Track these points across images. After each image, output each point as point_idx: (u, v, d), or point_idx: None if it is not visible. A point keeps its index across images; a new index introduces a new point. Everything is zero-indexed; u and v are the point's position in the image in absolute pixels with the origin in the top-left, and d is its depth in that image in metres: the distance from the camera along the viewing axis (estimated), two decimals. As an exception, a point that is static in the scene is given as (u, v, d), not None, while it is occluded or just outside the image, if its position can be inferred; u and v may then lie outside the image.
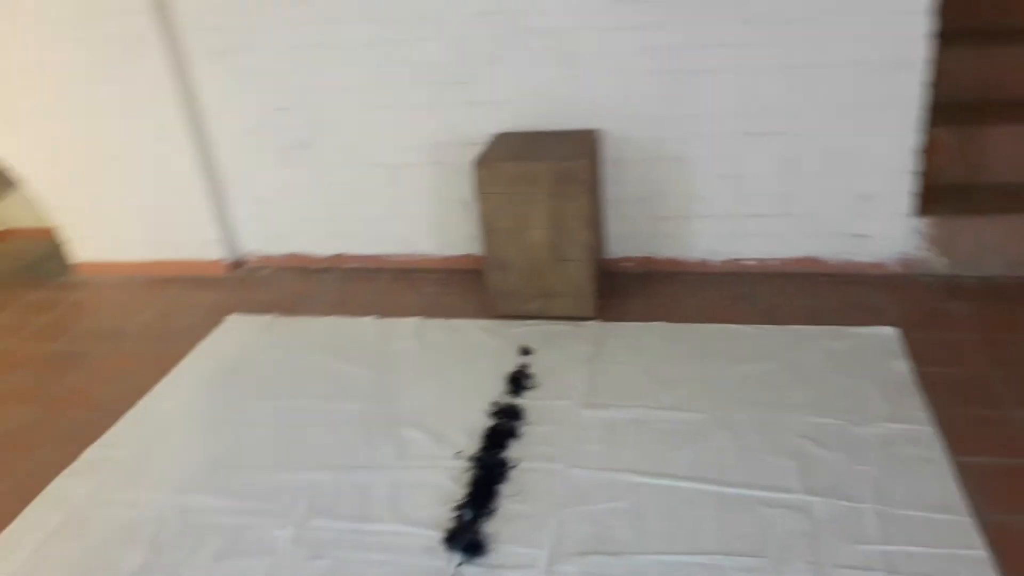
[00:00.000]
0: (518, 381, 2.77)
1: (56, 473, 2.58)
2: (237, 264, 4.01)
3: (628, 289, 3.43)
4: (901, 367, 2.68)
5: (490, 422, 2.58)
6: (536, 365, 2.89)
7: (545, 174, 2.99)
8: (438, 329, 3.21)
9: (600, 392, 2.70)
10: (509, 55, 3.27)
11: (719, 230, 3.44)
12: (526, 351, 2.97)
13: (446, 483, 2.35)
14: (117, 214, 3.95)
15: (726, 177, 3.33)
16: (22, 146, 3.89)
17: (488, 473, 2.34)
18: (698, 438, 2.44)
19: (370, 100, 3.50)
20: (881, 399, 2.53)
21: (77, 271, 4.17)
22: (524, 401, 2.69)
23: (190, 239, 3.93)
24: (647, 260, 3.56)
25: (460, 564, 2.06)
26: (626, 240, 3.55)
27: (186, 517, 2.33)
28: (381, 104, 3.49)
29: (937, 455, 2.28)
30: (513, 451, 2.46)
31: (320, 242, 3.89)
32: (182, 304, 3.73)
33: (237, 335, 3.36)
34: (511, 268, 3.18)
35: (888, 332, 2.88)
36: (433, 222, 3.69)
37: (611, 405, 2.63)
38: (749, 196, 3.34)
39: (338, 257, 3.90)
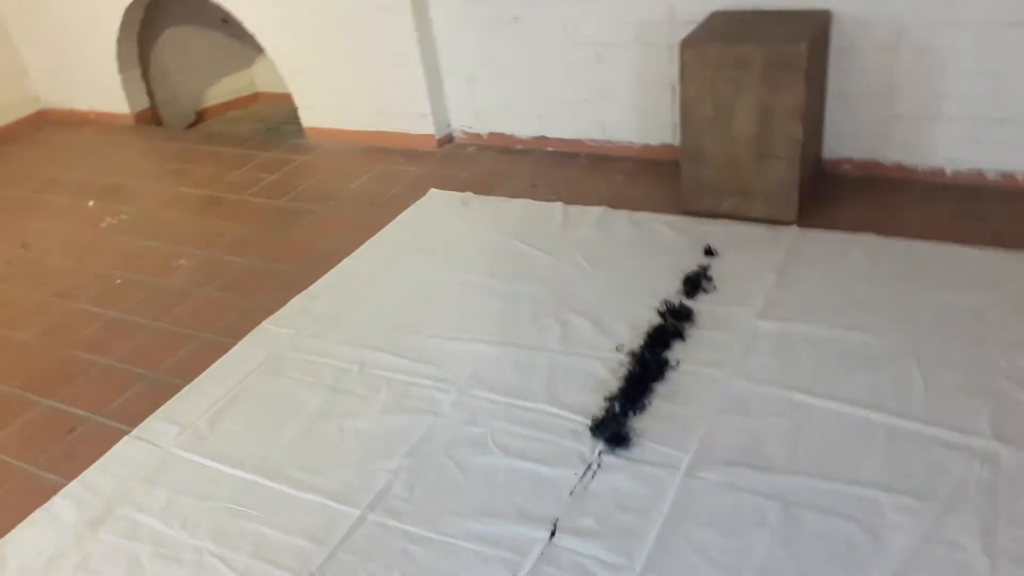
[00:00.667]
0: (695, 282, 2.66)
1: (265, 317, 2.88)
2: (445, 140, 4.13)
3: (842, 195, 3.13)
4: None
5: (657, 320, 2.51)
6: (718, 267, 2.75)
7: (757, 58, 2.75)
8: (622, 220, 3.14)
9: (782, 303, 2.53)
10: (735, -74, 2.98)
11: (963, 135, 3.01)
12: (710, 252, 2.83)
13: (603, 373, 2.35)
14: (342, 84, 4.18)
15: (980, 74, 2.88)
16: (264, 15, 4.19)
17: (645, 370, 2.30)
18: (881, 364, 2.23)
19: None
20: (1122, 349, 2.15)
21: (307, 135, 4.51)
22: (697, 304, 2.58)
23: (405, 112, 4.08)
24: (871, 164, 3.21)
25: (602, 452, 2.07)
26: (848, 139, 3.21)
27: (364, 370, 2.53)
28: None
29: None
30: (676, 352, 2.39)
31: (523, 123, 3.89)
32: (392, 174, 3.93)
33: (434, 209, 3.50)
34: (708, 161, 3.00)
35: None
36: (635, 108, 3.55)
37: (791, 318, 2.45)
38: (1006, 98, 2.88)
39: (539, 139, 3.89)
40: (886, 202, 3.05)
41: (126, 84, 5.08)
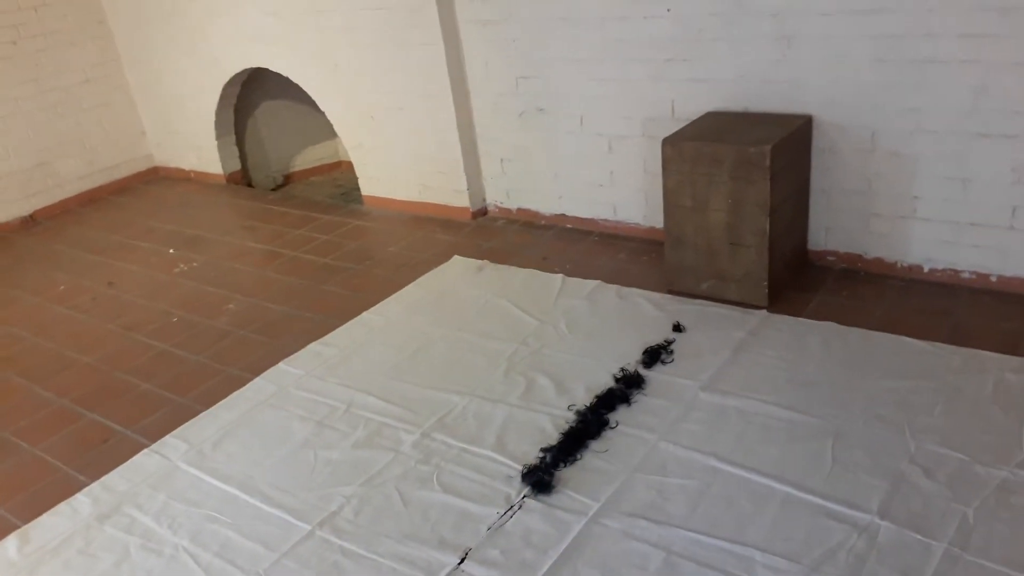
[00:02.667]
0: (655, 354, 2.90)
1: (284, 357, 3.29)
2: (480, 213, 4.52)
3: (821, 284, 3.31)
4: (1079, 417, 2.34)
5: (611, 384, 2.76)
6: (683, 342, 2.98)
7: (728, 157, 3.01)
8: (610, 294, 3.41)
9: (728, 379, 2.73)
10: (731, 34, 3.28)
11: (937, 236, 3.15)
12: (678, 328, 3.06)
13: (549, 428, 2.61)
14: (395, 159, 4.66)
15: (950, 179, 3.04)
16: (332, 97, 4.76)
17: (585, 427, 2.55)
18: (799, 440, 2.40)
19: (598, 73, 3.73)
20: (1032, 445, 2.26)
21: (365, 202, 5.01)
22: (652, 373, 2.82)
23: (445, 187, 4.51)
24: (854, 257, 3.38)
25: (525, 497, 2.33)
26: (832, 233, 3.39)
27: (350, 409, 2.88)
28: (607, 78, 3.71)
29: (1059, 516, 2.02)
30: (619, 414, 2.63)
31: (546, 202, 4.24)
32: (426, 241, 4.34)
33: (453, 273, 3.87)
34: (688, 246, 3.25)
35: (1091, 377, 2.49)
36: (641, 193, 3.84)
37: (731, 393, 2.65)
38: (975, 203, 3.02)
39: (560, 217, 4.22)
40: (861, 293, 3.20)
41: (221, 148, 5.76)
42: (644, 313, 3.23)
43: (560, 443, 2.50)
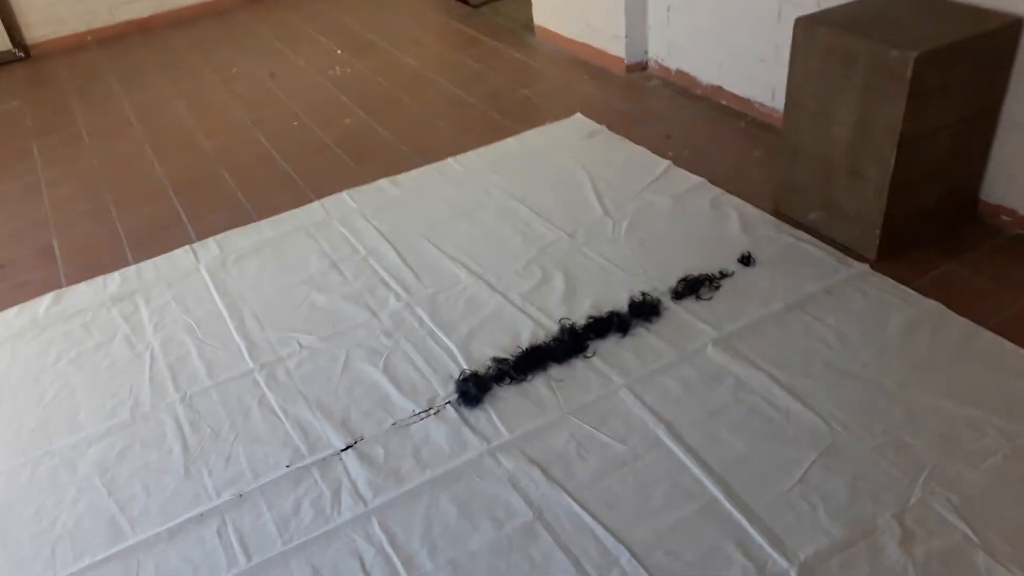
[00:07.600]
0: (693, 285, 2.41)
1: (357, 185, 3.21)
2: (637, 67, 3.96)
3: (970, 249, 2.51)
4: None
5: (621, 308, 2.36)
6: (740, 279, 2.45)
7: (862, 57, 2.28)
8: (704, 198, 2.86)
9: (755, 338, 2.21)
10: None
11: None
12: (746, 260, 2.51)
13: (525, 336, 2.31)
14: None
15: None
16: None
17: (555, 348, 2.22)
18: (780, 440, 1.91)
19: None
20: None
21: (536, 33, 4.61)
22: (676, 306, 2.36)
23: (606, 30, 3.98)
24: (1038, 223, 2.52)
25: (447, 402, 2.12)
26: (1017, 185, 2.52)
27: (367, 257, 2.76)
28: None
29: None
30: (605, 344, 2.25)
31: (707, 68, 3.59)
32: (566, 88, 3.93)
33: (563, 133, 3.47)
34: (803, 161, 2.60)
35: None
36: (800, 82, 3.09)
37: (743, 358, 2.15)
38: None
39: (717, 89, 3.57)
40: (1016, 275, 2.38)
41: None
42: (725, 231, 2.68)
43: (519, 358, 2.21)
